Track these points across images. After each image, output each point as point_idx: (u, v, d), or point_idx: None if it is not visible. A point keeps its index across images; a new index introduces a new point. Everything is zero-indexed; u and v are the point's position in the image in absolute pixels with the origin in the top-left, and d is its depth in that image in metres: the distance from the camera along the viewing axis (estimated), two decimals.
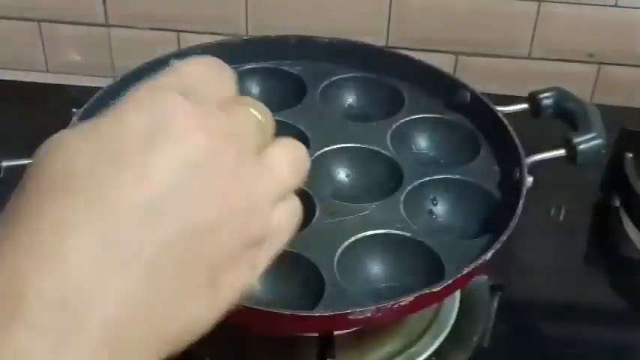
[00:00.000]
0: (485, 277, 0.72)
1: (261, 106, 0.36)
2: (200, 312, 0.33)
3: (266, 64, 0.82)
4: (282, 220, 0.36)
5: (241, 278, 0.34)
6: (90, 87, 0.79)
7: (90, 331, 0.29)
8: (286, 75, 0.82)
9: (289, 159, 0.36)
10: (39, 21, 0.99)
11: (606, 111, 0.74)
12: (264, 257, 0.35)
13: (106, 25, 0.98)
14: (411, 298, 0.55)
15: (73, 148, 0.32)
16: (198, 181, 0.31)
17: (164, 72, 0.34)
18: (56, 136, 0.33)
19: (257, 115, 0.35)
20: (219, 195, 0.32)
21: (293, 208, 0.37)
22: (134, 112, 0.32)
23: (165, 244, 0.30)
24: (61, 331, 0.28)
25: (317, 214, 0.64)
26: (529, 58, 0.98)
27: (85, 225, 0.29)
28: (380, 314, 0.55)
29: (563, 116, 0.75)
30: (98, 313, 0.29)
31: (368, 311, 0.54)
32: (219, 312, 0.33)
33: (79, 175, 0.31)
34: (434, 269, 0.60)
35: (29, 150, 0.72)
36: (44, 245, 0.29)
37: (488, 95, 0.76)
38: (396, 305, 0.55)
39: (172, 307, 0.31)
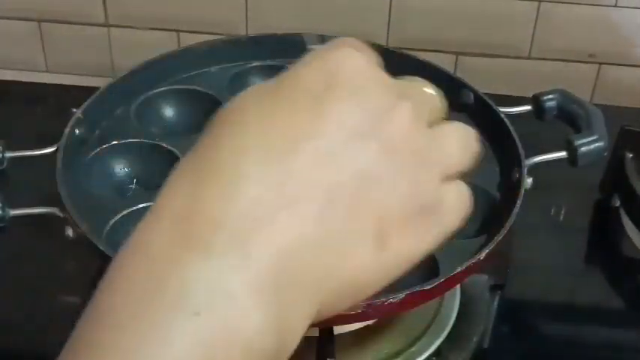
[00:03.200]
0: (486, 277, 0.72)
1: (433, 86, 0.37)
2: (365, 264, 0.32)
3: (272, 62, 0.82)
4: (451, 199, 0.35)
5: (408, 245, 0.33)
6: (90, 87, 0.79)
7: (259, 259, 0.29)
8: None
9: (460, 136, 0.36)
10: (39, 21, 0.99)
11: (606, 111, 0.74)
12: (433, 232, 0.35)
13: (106, 25, 0.98)
14: (402, 295, 0.55)
15: (249, 100, 0.33)
16: (372, 132, 0.32)
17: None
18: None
19: (430, 91, 0.37)
20: (390, 149, 0.32)
21: (462, 192, 0.36)
22: (311, 65, 0.33)
23: (337, 185, 0.31)
24: (229, 258, 0.28)
25: None
26: (529, 58, 0.97)
27: (260, 155, 0.30)
28: (371, 311, 0.55)
29: (566, 118, 0.75)
30: (267, 241, 0.29)
31: (359, 307, 0.54)
32: (383, 275, 0.33)
33: (258, 117, 0.31)
34: (429, 268, 0.61)
35: (31, 146, 0.73)
36: (218, 170, 0.30)
37: (490, 95, 0.76)
38: (387, 302, 0.55)
39: (340, 251, 0.31)
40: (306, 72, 0.33)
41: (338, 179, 0.31)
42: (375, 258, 0.32)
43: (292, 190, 0.30)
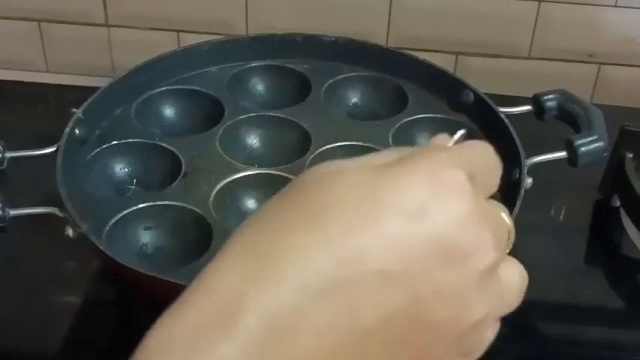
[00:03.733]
0: None
1: (508, 214, 0.36)
2: None
3: (272, 62, 0.82)
4: (488, 339, 0.35)
5: None
6: (90, 87, 0.79)
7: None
8: (292, 73, 0.82)
9: (520, 282, 0.36)
10: (39, 21, 0.99)
11: (606, 111, 0.74)
12: None
13: (106, 25, 0.98)
14: None
15: (340, 176, 0.31)
16: (445, 269, 0.31)
17: (450, 147, 0.34)
18: (328, 163, 0.32)
19: (509, 223, 0.35)
20: (458, 289, 0.31)
21: (495, 331, 0.36)
22: (411, 174, 0.31)
23: (385, 318, 0.30)
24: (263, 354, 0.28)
25: None
26: (529, 58, 0.97)
27: (317, 262, 0.29)
28: None
29: (566, 118, 0.75)
30: (293, 348, 0.29)
31: None
32: None
33: (333, 211, 0.30)
34: None
35: (31, 146, 0.72)
36: (273, 267, 0.29)
37: (490, 95, 0.76)
38: None
39: None
40: (409, 182, 0.31)
41: (397, 303, 0.30)
42: None
43: (335, 306, 0.29)
